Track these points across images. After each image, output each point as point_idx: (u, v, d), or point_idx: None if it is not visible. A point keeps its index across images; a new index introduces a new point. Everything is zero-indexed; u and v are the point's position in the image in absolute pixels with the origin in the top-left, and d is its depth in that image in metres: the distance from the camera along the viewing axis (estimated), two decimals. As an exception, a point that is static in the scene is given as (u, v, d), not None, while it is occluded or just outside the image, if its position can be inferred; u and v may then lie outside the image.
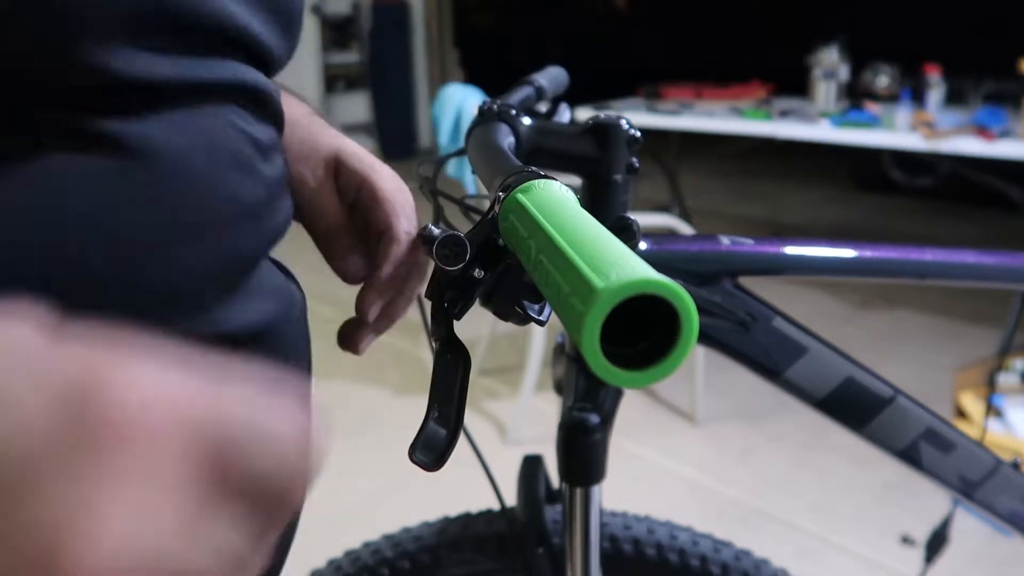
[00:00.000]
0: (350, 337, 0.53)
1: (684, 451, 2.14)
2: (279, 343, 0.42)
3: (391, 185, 0.53)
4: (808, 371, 0.61)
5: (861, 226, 4.40)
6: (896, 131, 2.55)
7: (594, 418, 0.61)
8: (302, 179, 0.52)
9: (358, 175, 0.53)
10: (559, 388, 0.65)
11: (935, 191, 4.44)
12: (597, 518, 0.63)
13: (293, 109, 0.55)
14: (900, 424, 0.64)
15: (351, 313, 0.54)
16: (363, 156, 0.54)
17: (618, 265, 0.27)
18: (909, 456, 0.65)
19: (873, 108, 2.83)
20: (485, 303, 0.41)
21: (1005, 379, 2.21)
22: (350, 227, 0.54)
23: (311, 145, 0.53)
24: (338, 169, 0.53)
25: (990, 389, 2.27)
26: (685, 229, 2.34)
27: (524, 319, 0.41)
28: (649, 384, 0.28)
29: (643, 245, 0.59)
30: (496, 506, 0.73)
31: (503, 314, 0.41)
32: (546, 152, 0.58)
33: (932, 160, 3.63)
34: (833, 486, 1.97)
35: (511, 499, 0.72)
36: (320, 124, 0.55)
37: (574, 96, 0.76)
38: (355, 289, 0.56)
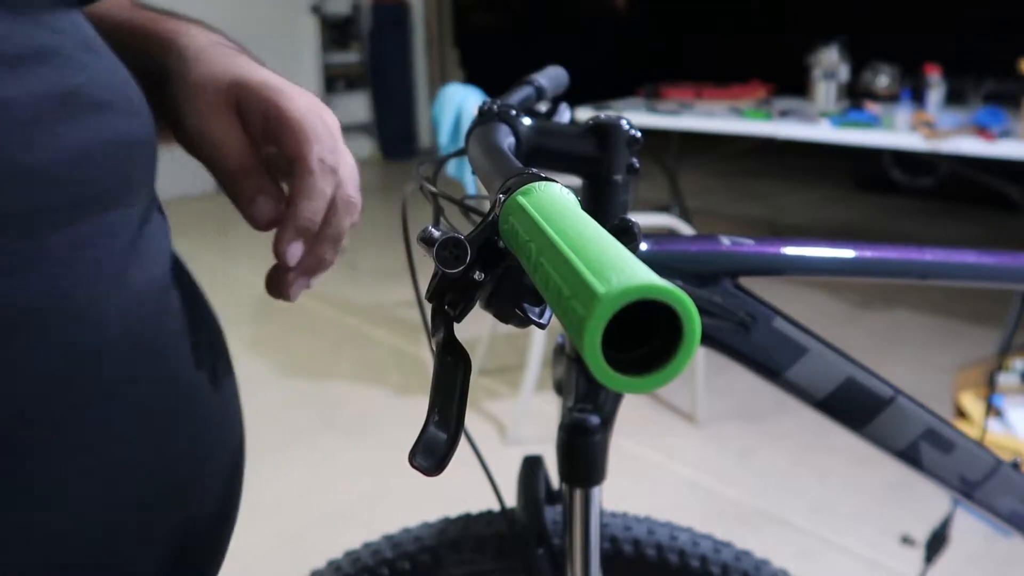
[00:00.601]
0: (275, 283, 0.48)
1: (684, 451, 2.14)
2: (59, 335, 0.35)
3: (301, 106, 0.46)
4: (808, 371, 0.61)
5: (861, 226, 4.40)
6: (896, 131, 2.55)
7: (594, 419, 0.61)
8: (198, 115, 0.46)
9: (262, 101, 0.46)
10: (559, 388, 0.65)
11: (935, 191, 4.45)
12: (597, 519, 0.63)
13: (196, 40, 0.48)
14: (900, 424, 0.64)
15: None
16: (269, 80, 0.47)
17: (619, 269, 0.27)
18: (909, 456, 0.65)
19: (873, 108, 2.83)
20: (486, 306, 0.41)
21: (1005, 379, 2.21)
22: (258, 165, 0.47)
23: (207, 76, 0.46)
24: (240, 98, 0.46)
25: (990, 389, 2.27)
26: (685, 229, 2.33)
27: (524, 322, 0.41)
28: (651, 390, 0.28)
29: (643, 246, 0.59)
30: (496, 506, 0.72)
31: (503, 316, 0.41)
32: (546, 152, 0.58)
33: (932, 160, 3.63)
34: (833, 486, 1.97)
35: (511, 499, 0.72)
36: (224, 53, 0.48)
37: (574, 96, 0.76)
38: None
